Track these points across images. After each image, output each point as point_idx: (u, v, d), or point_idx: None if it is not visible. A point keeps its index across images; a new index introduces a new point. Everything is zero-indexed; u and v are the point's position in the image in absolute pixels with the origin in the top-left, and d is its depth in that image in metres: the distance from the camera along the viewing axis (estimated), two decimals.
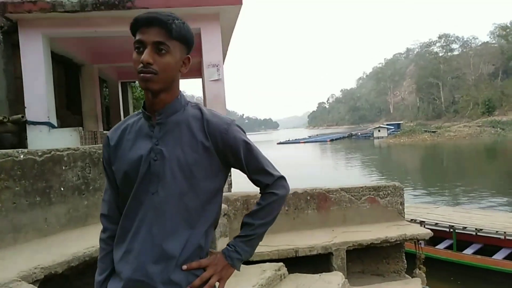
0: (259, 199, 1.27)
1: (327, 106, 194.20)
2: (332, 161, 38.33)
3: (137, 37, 1.12)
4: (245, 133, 1.26)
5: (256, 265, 3.36)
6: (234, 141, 1.19)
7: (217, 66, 5.05)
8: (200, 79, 6.77)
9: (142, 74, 1.10)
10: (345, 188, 4.80)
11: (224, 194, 4.64)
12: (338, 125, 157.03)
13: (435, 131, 56.88)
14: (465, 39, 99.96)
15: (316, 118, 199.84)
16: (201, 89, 7.42)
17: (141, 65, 1.09)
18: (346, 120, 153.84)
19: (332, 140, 72.01)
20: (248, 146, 1.22)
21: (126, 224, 1.17)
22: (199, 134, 1.17)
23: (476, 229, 7.93)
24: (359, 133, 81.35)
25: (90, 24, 4.66)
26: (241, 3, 4.77)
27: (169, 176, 1.13)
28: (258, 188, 1.30)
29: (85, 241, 2.50)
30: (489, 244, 8.22)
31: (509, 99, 64.62)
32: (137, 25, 1.13)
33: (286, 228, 4.41)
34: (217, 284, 1.21)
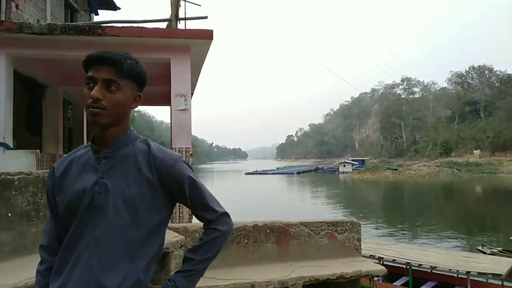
0: (202, 234, 1.29)
1: (295, 139, 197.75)
2: (298, 194, 38.64)
3: (89, 74, 1.17)
4: (192, 169, 1.29)
5: None
6: (180, 177, 1.22)
7: (185, 96, 5.11)
8: (169, 107, 6.81)
9: (91, 109, 1.14)
10: (304, 222, 4.86)
11: (183, 224, 4.58)
12: (305, 158, 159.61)
13: (396, 169, 59.05)
14: (425, 84, 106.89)
15: (285, 150, 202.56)
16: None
17: (91, 100, 1.13)
18: (313, 154, 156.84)
19: (299, 172, 72.91)
20: (194, 182, 1.25)
21: (64, 255, 1.15)
22: (145, 168, 1.19)
23: (431, 266, 8.18)
24: (325, 167, 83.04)
25: (58, 47, 4.62)
26: (211, 38, 4.92)
27: (112, 209, 1.14)
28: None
29: (28, 270, 2.37)
30: (444, 282, 8.46)
31: (464, 142, 68.58)
32: (90, 63, 1.17)
33: (244, 261, 4.37)
34: None
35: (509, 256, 9.96)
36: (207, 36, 4.92)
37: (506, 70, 77.96)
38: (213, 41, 4.99)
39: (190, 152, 5.24)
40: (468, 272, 7.46)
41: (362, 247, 9.00)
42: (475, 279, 8.19)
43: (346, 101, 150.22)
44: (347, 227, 5.10)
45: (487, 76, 78.94)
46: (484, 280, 8.17)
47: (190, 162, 5.26)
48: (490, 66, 79.06)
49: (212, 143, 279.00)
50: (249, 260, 4.41)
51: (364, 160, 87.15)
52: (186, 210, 5.15)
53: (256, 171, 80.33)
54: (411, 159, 78.25)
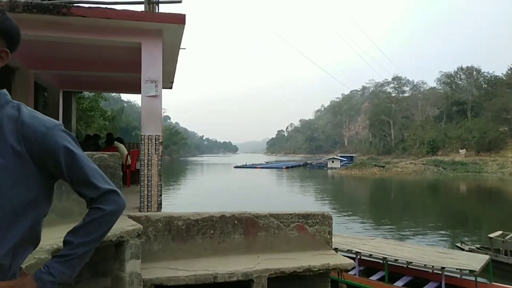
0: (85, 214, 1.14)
1: (285, 134, 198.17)
2: (284, 188, 38.74)
3: None
4: (73, 140, 1.14)
5: None
6: (53, 147, 1.07)
7: (155, 82, 4.94)
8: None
9: None
10: (274, 214, 4.78)
11: (146, 214, 4.43)
12: (295, 153, 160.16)
13: (384, 166, 59.59)
14: (415, 83, 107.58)
15: (275, 145, 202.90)
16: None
17: None
18: (303, 149, 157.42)
19: (288, 167, 73.08)
20: (71, 153, 1.10)
21: None
22: (10, 136, 1.05)
23: (407, 261, 8.21)
24: (314, 163, 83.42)
25: (20, 27, 4.40)
26: (184, 23, 4.76)
27: None
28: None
29: None
30: (419, 277, 8.51)
31: (451, 141, 69.46)
32: None
33: (209, 252, 4.28)
34: None
35: (486, 253, 10.08)
36: (179, 20, 4.76)
37: (493, 71, 78.89)
38: (185, 26, 4.84)
39: (160, 140, 5.10)
40: (442, 268, 7.51)
41: (339, 242, 9.04)
42: (449, 275, 8.26)
43: (337, 98, 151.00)
44: (318, 220, 5.04)
45: (475, 77, 79.79)
46: (458, 276, 8.24)
47: (160, 151, 5.10)
48: (478, 67, 79.95)
49: (203, 136, 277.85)
50: (214, 251, 4.32)
51: (352, 156, 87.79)
52: (154, 200, 5.01)
53: (245, 164, 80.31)
54: (398, 157, 78.99)
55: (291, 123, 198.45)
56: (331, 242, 5.19)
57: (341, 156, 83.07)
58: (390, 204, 28.10)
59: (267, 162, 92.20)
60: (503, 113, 64.54)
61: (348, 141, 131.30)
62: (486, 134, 62.35)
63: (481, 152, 63.72)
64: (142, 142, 4.97)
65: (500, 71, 77.97)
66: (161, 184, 5.11)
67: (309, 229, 4.98)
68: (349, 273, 8.37)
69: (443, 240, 15.06)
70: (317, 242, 5.02)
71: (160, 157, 5.06)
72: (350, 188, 41.72)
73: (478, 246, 12.17)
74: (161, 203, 5.12)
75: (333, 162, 73.80)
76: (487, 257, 8.01)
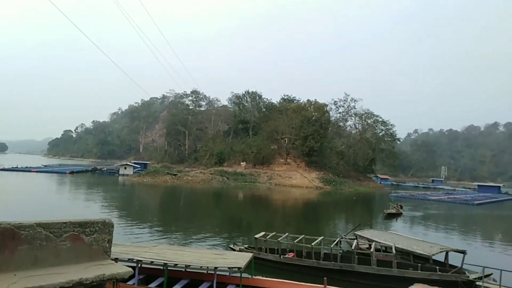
0: None
1: (74, 135, 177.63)
2: (66, 195, 34.54)
3: None
4: None
5: None
6: None
7: None
8: None
9: None
10: (43, 223, 4.20)
11: None
12: (83, 157, 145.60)
13: (176, 174, 61.70)
14: (210, 99, 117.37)
15: (59, 146, 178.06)
16: None
17: None
18: (94, 153, 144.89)
19: (72, 172, 65.63)
20: None
21: None
22: None
23: (185, 265, 8.69)
24: (105, 168, 78.26)
25: None
26: None
27: None
28: None
29: None
30: (195, 279, 9.14)
31: (235, 154, 78.86)
32: None
33: None
34: None
35: (251, 252, 11.82)
36: None
37: (271, 98, 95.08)
38: None
39: None
40: (215, 268, 8.34)
41: (121, 251, 8.70)
42: (221, 273, 9.25)
43: (136, 103, 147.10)
44: (97, 228, 4.73)
45: (257, 101, 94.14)
46: (228, 273, 9.35)
47: None
48: (259, 93, 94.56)
49: None
50: None
51: (146, 163, 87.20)
52: None
53: (16, 167, 67.28)
54: (190, 166, 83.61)
55: (82, 124, 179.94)
56: (110, 251, 4.96)
57: (134, 163, 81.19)
58: (179, 211, 29.26)
59: (46, 166, 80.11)
60: (274, 133, 78.15)
61: (143, 148, 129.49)
62: (261, 150, 73.96)
63: (256, 165, 74.95)
64: None
65: (275, 99, 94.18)
66: None
67: (86, 238, 4.61)
68: (128, 282, 8.19)
69: (222, 242, 16.75)
70: (94, 252, 4.69)
71: None
72: (140, 196, 41.13)
73: (246, 246, 14.16)
74: None
75: (125, 168, 71.30)
76: (250, 255, 9.42)
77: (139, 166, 78.55)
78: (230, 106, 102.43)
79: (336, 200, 48.18)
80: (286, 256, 12.86)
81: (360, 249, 13.11)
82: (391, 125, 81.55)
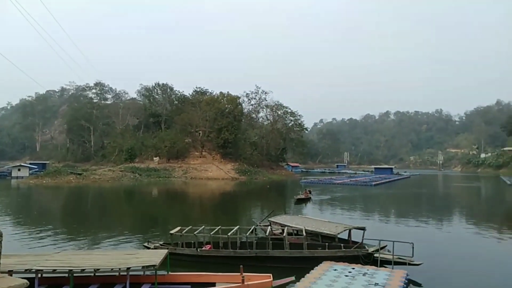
0: None
1: None
2: None
3: None
4: None
5: None
6: None
7: None
8: None
9: None
10: None
11: None
12: None
13: (81, 173, 56.98)
14: (117, 91, 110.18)
15: None
16: None
17: None
18: None
19: None
20: None
21: None
22: None
23: (94, 269, 8.11)
24: None
25: None
26: None
27: None
28: None
29: None
30: (106, 283, 8.59)
31: (147, 149, 75.64)
32: None
33: None
34: None
35: (167, 248, 11.50)
36: None
37: (183, 91, 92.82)
38: None
39: None
40: (128, 268, 7.93)
41: (16, 263, 7.78)
42: (134, 274, 8.85)
43: (29, 97, 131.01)
44: None
45: (169, 93, 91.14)
46: (142, 272, 8.98)
47: None
48: (171, 85, 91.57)
49: None
50: None
51: (45, 163, 79.09)
52: None
53: None
54: (97, 164, 77.82)
55: None
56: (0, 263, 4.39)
57: (30, 163, 73.15)
58: (86, 213, 27.11)
59: None
60: (188, 126, 76.84)
61: (41, 146, 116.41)
62: (175, 144, 72.25)
63: (171, 160, 73.05)
64: None
65: (187, 91, 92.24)
66: None
67: None
68: None
69: (137, 242, 15.94)
70: None
71: None
72: (39, 199, 37.06)
73: (161, 243, 13.75)
74: None
75: (19, 170, 63.88)
76: (165, 251, 9.17)
77: (36, 166, 70.81)
78: (140, 99, 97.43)
79: (251, 189, 49.51)
80: (203, 248, 12.83)
81: (274, 234, 13.69)
82: (299, 115, 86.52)
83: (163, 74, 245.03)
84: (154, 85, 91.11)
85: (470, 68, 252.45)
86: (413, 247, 11.12)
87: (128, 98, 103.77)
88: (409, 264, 11.14)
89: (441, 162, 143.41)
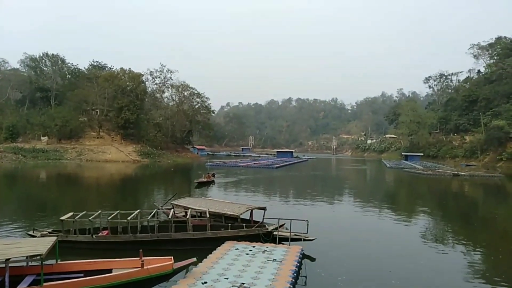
0: None
1: None
2: None
3: None
4: None
5: None
6: None
7: None
8: None
9: None
10: None
11: None
12: None
13: None
14: None
15: None
16: None
17: None
18: None
19: None
20: None
21: None
22: None
23: None
24: None
25: None
26: None
27: None
28: None
29: None
30: (13, 275, 7.54)
31: (33, 128, 67.20)
32: None
33: None
34: None
35: (57, 236, 10.45)
36: None
37: (77, 64, 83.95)
38: None
39: None
40: (7, 260, 7.00)
41: None
42: (16, 265, 7.87)
43: None
44: None
45: (60, 66, 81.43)
46: (25, 263, 8.04)
47: None
48: (63, 57, 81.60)
49: None
50: None
51: None
52: None
53: None
54: None
55: None
56: None
57: None
58: None
59: None
60: (83, 104, 70.26)
61: None
62: (68, 123, 65.63)
63: (62, 140, 66.26)
64: None
65: (83, 65, 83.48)
66: None
67: None
68: None
69: (20, 231, 14.17)
70: None
71: None
72: None
73: (50, 230, 12.47)
74: None
75: None
76: (54, 239, 8.30)
77: None
78: (24, 70, 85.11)
79: (154, 173, 47.86)
80: (99, 234, 12.01)
81: (177, 217, 13.49)
82: (206, 98, 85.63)
83: (53, 43, 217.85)
84: (41, 55, 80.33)
85: (361, 62, 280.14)
86: (307, 224, 12.05)
87: (9, 68, 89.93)
88: (304, 240, 12.07)
89: (335, 147, 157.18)
